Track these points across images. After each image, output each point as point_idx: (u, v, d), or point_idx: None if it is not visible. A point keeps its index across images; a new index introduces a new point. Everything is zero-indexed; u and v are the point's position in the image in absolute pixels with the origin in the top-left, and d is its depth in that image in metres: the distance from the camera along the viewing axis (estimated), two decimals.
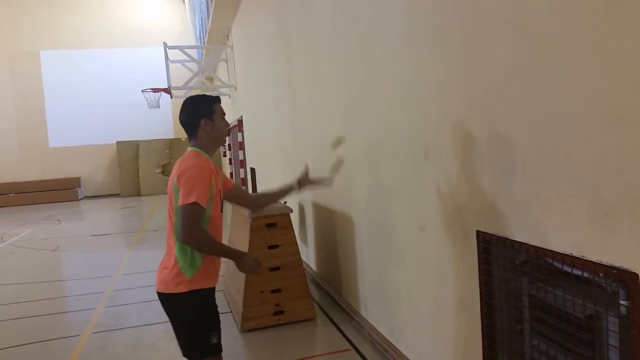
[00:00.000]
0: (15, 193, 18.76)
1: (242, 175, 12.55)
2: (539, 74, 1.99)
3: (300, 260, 4.71)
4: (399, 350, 3.60)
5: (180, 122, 2.56)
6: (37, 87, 19.68)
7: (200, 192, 2.31)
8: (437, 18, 2.76)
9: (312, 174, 2.95)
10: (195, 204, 2.28)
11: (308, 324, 4.61)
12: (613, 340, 1.80)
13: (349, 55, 4.16)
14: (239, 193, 2.84)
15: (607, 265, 1.74)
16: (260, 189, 10.04)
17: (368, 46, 3.76)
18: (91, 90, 19.75)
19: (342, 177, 4.55)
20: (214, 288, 2.55)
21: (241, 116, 11.93)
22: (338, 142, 3.32)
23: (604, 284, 1.81)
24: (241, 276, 4.54)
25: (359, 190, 4.22)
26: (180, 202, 2.31)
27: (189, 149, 2.54)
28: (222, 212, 2.60)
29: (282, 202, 5.16)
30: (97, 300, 5.82)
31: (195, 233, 2.31)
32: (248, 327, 4.47)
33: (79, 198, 19.43)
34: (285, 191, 2.94)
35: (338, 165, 3.03)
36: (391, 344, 3.74)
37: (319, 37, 4.99)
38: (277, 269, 4.56)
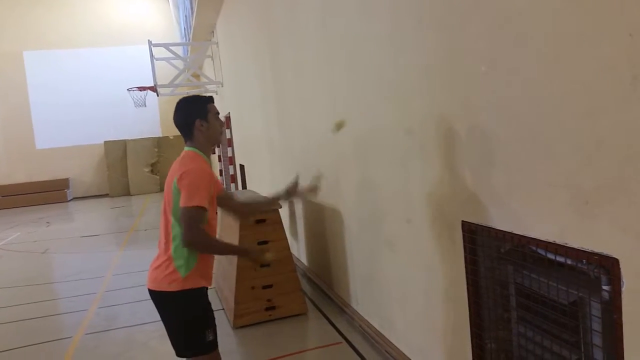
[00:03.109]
0: (3, 196, 18.56)
1: (231, 172, 12.53)
2: (519, 66, 2.02)
3: (290, 256, 4.72)
4: (390, 342, 3.63)
5: (175, 124, 2.56)
6: (21, 88, 19.43)
7: (203, 195, 2.34)
8: (419, 11, 2.77)
9: (296, 174, 2.95)
10: (197, 207, 2.31)
11: (300, 319, 4.63)
12: (596, 325, 1.84)
13: (334, 50, 4.17)
14: (228, 198, 2.84)
15: (589, 252, 1.77)
16: (250, 185, 10.03)
17: (352, 41, 3.76)
18: (77, 90, 19.54)
19: (330, 171, 4.57)
20: (206, 287, 2.54)
21: (229, 113, 11.89)
22: (340, 126, 3.29)
23: (586, 270, 1.84)
24: (232, 273, 4.55)
25: (346, 184, 4.24)
26: (182, 204, 2.32)
27: (187, 149, 2.53)
28: (216, 213, 2.62)
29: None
30: (89, 302, 5.80)
31: (198, 235, 2.33)
32: (240, 323, 4.48)
33: (68, 199, 19.27)
34: (272, 201, 2.99)
35: (341, 124, 3.04)
36: (382, 335, 3.77)
37: (303, 32, 4.99)
38: (267, 265, 4.56)
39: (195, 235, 2.31)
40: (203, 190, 2.34)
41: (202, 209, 2.33)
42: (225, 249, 2.58)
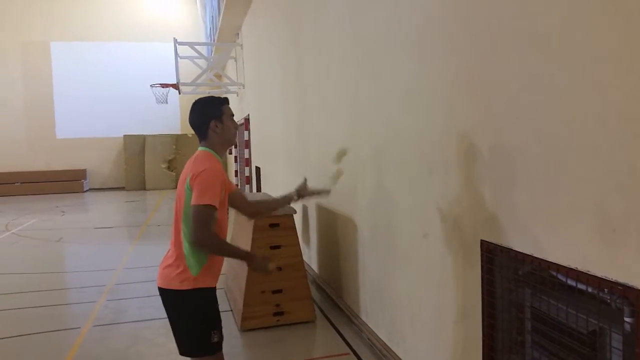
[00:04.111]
0: (21, 182, 18.86)
1: (247, 174, 12.56)
2: (551, 86, 1.98)
3: (302, 262, 4.70)
4: (398, 356, 3.58)
5: (190, 124, 2.60)
6: (46, 78, 19.77)
7: (214, 194, 2.34)
8: (448, 26, 2.75)
9: (312, 182, 2.93)
10: (208, 205, 2.31)
11: (308, 326, 4.60)
12: (616, 358, 1.78)
13: (359, 59, 4.15)
14: (240, 197, 2.83)
15: (613, 281, 1.72)
16: (265, 188, 10.04)
17: (378, 51, 3.75)
18: (100, 83, 19.83)
19: (346, 180, 4.54)
20: (215, 288, 2.56)
21: (248, 115, 11.94)
22: (342, 155, 3.23)
23: (608, 300, 1.79)
24: (243, 275, 4.54)
25: (363, 194, 4.21)
26: (193, 202, 2.33)
27: (200, 149, 2.56)
28: (227, 213, 2.63)
29: None
30: (99, 294, 5.84)
31: (206, 234, 2.32)
32: (248, 326, 4.47)
33: (84, 190, 19.50)
34: (284, 200, 2.96)
35: (338, 175, 3.00)
36: (390, 349, 3.72)
37: (329, 40, 4.99)
38: (278, 269, 4.55)
39: (203, 234, 2.31)
40: (214, 190, 2.35)
41: (212, 207, 2.33)
42: (231, 252, 2.56)
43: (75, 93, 19.74)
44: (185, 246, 2.42)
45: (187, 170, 2.46)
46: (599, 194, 1.77)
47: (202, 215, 2.31)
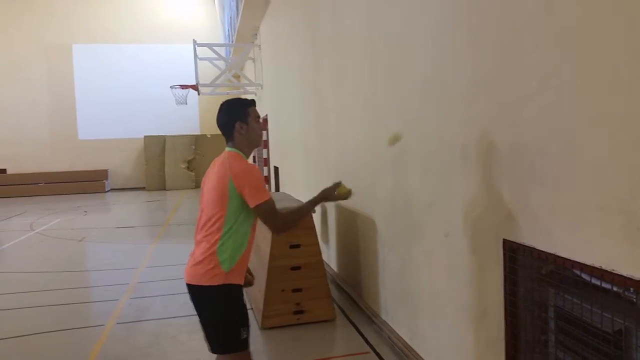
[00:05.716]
0: (45, 183, 19.24)
1: (265, 174, 12.63)
2: (574, 83, 1.96)
3: (321, 261, 4.72)
4: (419, 355, 3.58)
5: (217, 125, 2.65)
6: (68, 80, 20.13)
7: (264, 188, 2.52)
8: (468, 22, 2.74)
9: (331, 181, 2.92)
10: (268, 199, 2.49)
11: (327, 325, 4.62)
12: None
13: (377, 58, 4.15)
14: None
15: (638, 280, 1.70)
16: (283, 188, 10.08)
17: (396, 49, 3.75)
18: (120, 85, 20.13)
19: (365, 179, 4.55)
20: (242, 286, 2.60)
21: (266, 115, 12.01)
22: (396, 139, 3.24)
23: (634, 299, 1.77)
24: (263, 275, 4.57)
25: (382, 192, 4.21)
26: (253, 204, 2.45)
27: (228, 149, 2.61)
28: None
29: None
30: (121, 292, 5.93)
31: (282, 221, 2.57)
32: (268, 324, 4.50)
33: (106, 190, 19.81)
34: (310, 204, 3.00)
35: (396, 138, 3.00)
36: (411, 348, 3.72)
37: (347, 39, 4.99)
38: (298, 268, 4.58)
39: (280, 222, 2.56)
40: (263, 184, 2.52)
41: (271, 199, 2.50)
42: (308, 210, 2.74)
43: (97, 95, 20.07)
44: (222, 243, 2.45)
45: (222, 171, 2.49)
46: (623, 192, 1.75)
47: (269, 208, 2.48)
